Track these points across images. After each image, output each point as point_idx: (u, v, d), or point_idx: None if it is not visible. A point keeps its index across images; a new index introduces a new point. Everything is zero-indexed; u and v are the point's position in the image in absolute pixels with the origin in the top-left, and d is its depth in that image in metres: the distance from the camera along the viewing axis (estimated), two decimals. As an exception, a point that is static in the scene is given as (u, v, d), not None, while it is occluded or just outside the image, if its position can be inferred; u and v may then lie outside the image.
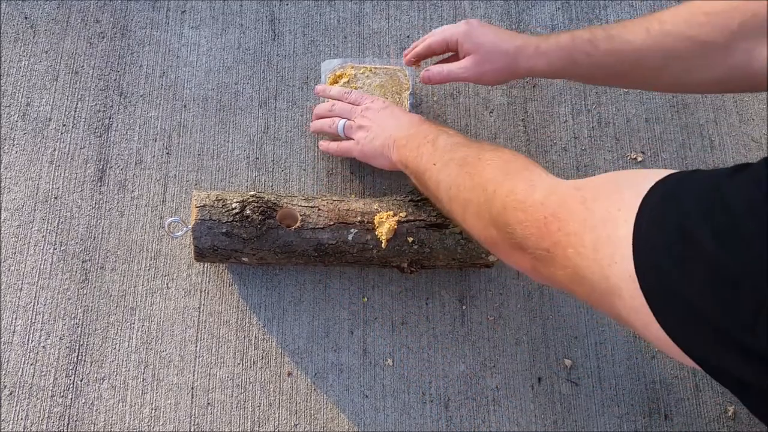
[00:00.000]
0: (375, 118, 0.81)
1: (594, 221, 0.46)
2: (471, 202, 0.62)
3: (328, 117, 0.86)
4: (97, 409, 0.80)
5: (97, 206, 0.88)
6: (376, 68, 0.92)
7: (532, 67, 0.74)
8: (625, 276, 0.42)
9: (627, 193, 0.44)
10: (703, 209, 0.38)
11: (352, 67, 0.92)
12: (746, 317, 0.35)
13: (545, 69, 0.74)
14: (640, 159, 0.96)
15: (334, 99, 0.87)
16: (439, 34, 0.81)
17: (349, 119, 0.84)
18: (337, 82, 0.91)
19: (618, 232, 0.43)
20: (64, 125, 0.91)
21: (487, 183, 0.60)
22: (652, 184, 0.43)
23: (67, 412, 0.79)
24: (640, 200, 0.42)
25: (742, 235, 0.35)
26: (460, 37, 0.78)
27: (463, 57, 0.79)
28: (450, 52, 0.83)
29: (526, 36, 0.76)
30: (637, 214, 0.42)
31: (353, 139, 0.83)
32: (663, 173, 0.43)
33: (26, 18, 0.96)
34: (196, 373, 0.82)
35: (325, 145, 0.87)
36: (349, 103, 0.85)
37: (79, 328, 0.83)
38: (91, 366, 0.81)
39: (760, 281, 0.34)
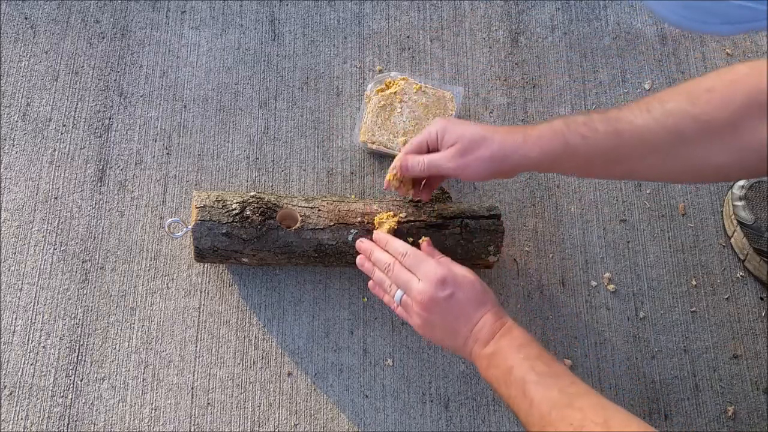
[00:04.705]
0: (435, 312, 0.69)
1: None
2: None
3: (384, 277, 0.74)
4: (97, 409, 0.80)
5: (97, 206, 0.88)
6: (426, 88, 0.92)
7: (524, 156, 0.67)
8: None
9: None
10: None
11: (404, 80, 0.92)
12: None
13: (539, 158, 0.66)
14: (640, 159, 0.96)
15: (391, 253, 0.74)
16: (414, 142, 0.73)
17: (405, 293, 0.72)
18: (384, 91, 0.92)
19: None
20: (64, 125, 0.91)
21: None
22: None
23: (67, 412, 0.79)
24: None
25: None
26: (440, 130, 0.71)
27: (446, 149, 0.71)
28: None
29: (513, 126, 0.71)
30: None
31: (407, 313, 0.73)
32: None
33: (26, 18, 0.96)
34: (196, 373, 0.82)
35: (380, 293, 0.76)
36: (405, 267, 0.72)
37: (79, 328, 0.83)
38: (91, 366, 0.81)
39: None
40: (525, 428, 0.63)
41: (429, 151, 0.74)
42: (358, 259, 0.78)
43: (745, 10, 0.36)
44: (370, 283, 0.77)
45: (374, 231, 0.78)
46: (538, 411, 0.60)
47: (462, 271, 0.71)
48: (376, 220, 0.80)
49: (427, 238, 0.76)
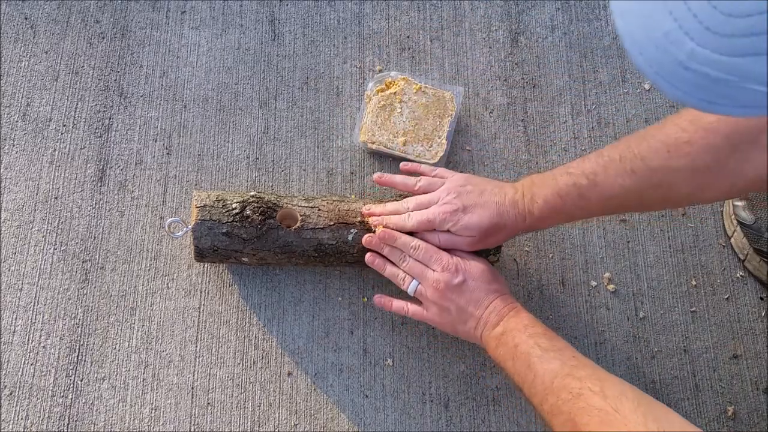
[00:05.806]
0: (450, 298, 0.75)
1: None
2: None
3: (399, 268, 0.78)
4: (97, 409, 0.80)
5: (97, 206, 0.88)
6: (426, 88, 0.92)
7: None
8: None
9: None
10: None
11: (404, 80, 0.92)
12: None
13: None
14: (639, 159, 0.96)
15: (400, 246, 0.78)
16: (423, 222, 0.76)
17: (420, 282, 0.77)
18: (384, 91, 0.92)
19: None
20: (64, 125, 0.91)
21: None
22: None
23: (67, 412, 0.79)
24: None
25: None
26: (459, 210, 0.75)
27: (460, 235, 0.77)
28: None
29: (515, 197, 0.75)
30: None
31: (421, 303, 0.78)
32: None
33: (26, 18, 0.96)
34: (196, 373, 0.82)
35: (387, 303, 0.80)
36: (417, 260, 0.77)
37: (79, 328, 0.83)
38: (91, 366, 0.81)
39: None
40: (528, 401, 0.67)
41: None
42: (368, 256, 0.80)
43: (759, 95, 0.36)
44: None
45: (379, 229, 0.78)
46: (541, 382, 0.65)
47: (474, 260, 0.77)
48: (375, 223, 0.79)
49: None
